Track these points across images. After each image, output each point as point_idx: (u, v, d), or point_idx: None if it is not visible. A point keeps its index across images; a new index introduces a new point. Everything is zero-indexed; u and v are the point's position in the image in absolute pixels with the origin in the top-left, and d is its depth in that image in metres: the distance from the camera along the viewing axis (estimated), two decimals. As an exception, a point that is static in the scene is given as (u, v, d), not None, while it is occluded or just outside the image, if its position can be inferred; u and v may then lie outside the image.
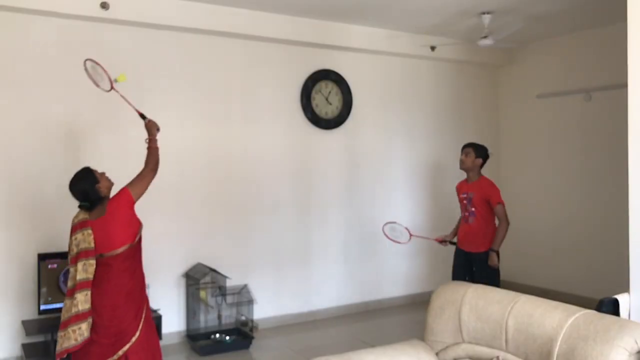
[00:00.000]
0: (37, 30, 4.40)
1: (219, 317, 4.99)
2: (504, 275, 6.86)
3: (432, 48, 6.07)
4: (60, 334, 2.99)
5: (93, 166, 3.25)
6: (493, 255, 4.41)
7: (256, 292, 5.13)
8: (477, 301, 2.73)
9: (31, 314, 4.28)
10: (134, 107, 3.49)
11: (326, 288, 5.74)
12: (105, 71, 3.56)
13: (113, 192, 3.20)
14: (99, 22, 4.57)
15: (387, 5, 5.03)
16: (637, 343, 2.17)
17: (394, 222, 4.92)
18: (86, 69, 3.56)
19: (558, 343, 2.31)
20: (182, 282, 4.99)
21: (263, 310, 5.27)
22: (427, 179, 6.41)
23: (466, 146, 4.63)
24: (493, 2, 4.95)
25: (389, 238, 4.87)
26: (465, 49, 6.30)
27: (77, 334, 2.96)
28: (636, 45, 2.96)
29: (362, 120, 5.95)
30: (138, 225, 3.19)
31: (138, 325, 3.11)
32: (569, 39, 6.14)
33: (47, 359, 3.92)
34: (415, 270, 6.31)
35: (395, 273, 6.17)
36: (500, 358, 2.54)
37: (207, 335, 4.85)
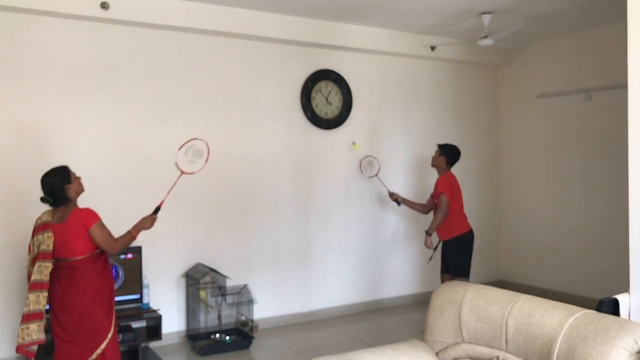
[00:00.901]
0: (37, 30, 4.40)
1: (219, 317, 4.99)
2: (504, 275, 6.90)
3: (432, 48, 6.07)
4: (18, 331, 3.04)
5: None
6: (427, 237, 4.88)
7: (256, 292, 5.13)
8: (477, 301, 2.73)
9: (31, 314, 4.27)
10: (165, 198, 3.61)
11: (326, 288, 5.74)
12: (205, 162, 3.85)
13: (83, 203, 3.22)
14: (99, 22, 4.57)
15: (387, 5, 5.03)
16: (637, 343, 2.17)
17: (368, 156, 5.83)
18: (192, 144, 3.86)
19: (558, 343, 2.31)
20: (182, 282, 5.00)
21: (263, 310, 5.27)
22: (427, 179, 6.40)
23: (438, 146, 5.12)
24: (493, 2, 4.95)
25: (363, 172, 5.80)
26: (465, 49, 6.30)
27: (24, 333, 3.00)
28: (636, 45, 2.96)
29: (362, 120, 5.95)
30: (95, 245, 3.17)
31: (111, 323, 3.17)
32: (569, 39, 6.14)
33: (47, 359, 3.92)
34: (415, 270, 6.30)
35: (395, 273, 6.17)
36: (500, 358, 2.54)
37: (207, 335, 4.85)
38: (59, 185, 3.12)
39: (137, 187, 4.76)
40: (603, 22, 5.64)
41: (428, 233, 4.88)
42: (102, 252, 3.23)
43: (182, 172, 3.75)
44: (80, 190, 3.25)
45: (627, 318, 2.88)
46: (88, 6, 4.41)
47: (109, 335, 3.14)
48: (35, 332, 3.00)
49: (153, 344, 4.66)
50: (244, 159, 5.27)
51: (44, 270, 3.04)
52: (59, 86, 4.49)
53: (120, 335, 4.18)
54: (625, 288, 2.98)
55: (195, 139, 3.97)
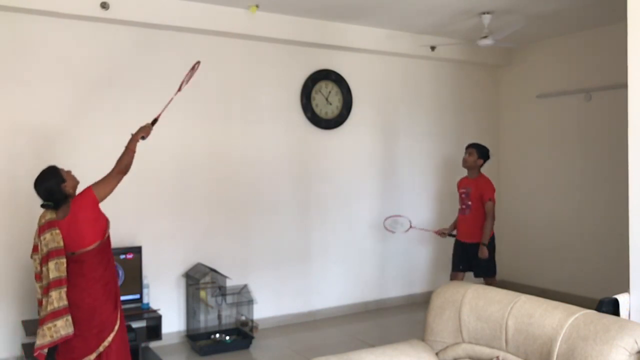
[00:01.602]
0: (37, 30, 4.40)
1: (219, 317, 4.99)
2: (504, 275, 6.89)
3: (432, 48, 6.07)
4: (38, 331, 3.04)
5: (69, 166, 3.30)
6: (483, 249, 4.81)
7: (256, 292, 5.13)
8: (477, 301, 2.73)
9: (31, 314, 4.27)
10: (162, 111, 3.58)
11: (326, 288, 5.74)
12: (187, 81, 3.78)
13: (79, 189, 3.23)
14: (99, 22, 4.57)
15: (387, 5, 5.03)
16: (637, 343, 2.17)
17: (399, 216, 5.62)
18: (194, 70, 3.78)
19: (558, 343, 2.31)
20: (182, 282, 5.00)
21: (263, 310, 5.27)
22: (427, 179, 6.41)
23: (470, 146, 5.02)
24: (493, 2, 4.95)
25: (387, 229, 5.58)
26: (465, 49, 6.30)
27: (52, 331, 3.01)
28: (636, 45, 2.96)
29: (362, 120, 5.95)
30: (105, 222, 3.22)
31: (117, 316, 3.19)
32: (569, 39, 6.14)
33: (46, 359, 3.92)
34: (415, 270, 6.30)
35: (395, 273, 6.17)
36: (500, 358, 2.54)
37: (207, 335, 4.85)
38: (55, 187, 3.13)
39: (137, 187, 4.76)
40: (603, 22, 5.64)
41: (483, 243, 4.80)
42: (107, 244, 3.23)
43: (180, 89, 3.72)
44: (76, 183, 3.26)
45: (627, 318, 2.88)
46: (88, 6, 4.41)
47: (116, 328, 3.16)
48: (64, 328, 3.03)
49: (153, 344, 4.66)
50: (244, 159, 5.27)
51: (60, 267, 3.06)
52: (59, 86, 4.49)
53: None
54: (625, 288, 2.98)
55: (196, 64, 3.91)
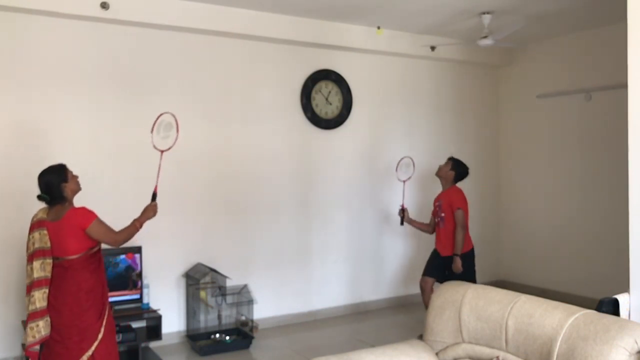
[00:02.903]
0: (37, 30, 4.40)
1: (219, 317, 4.99)
2: (504, 275, 6.89)
3: (432, 48, 6.07)
4: (25, 332, 3.04)
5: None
6: (457, 260, 4.65)
7: (256, 292, 5.13)
8: (477, 301, 2.73)
9: (31, 314, 4.28)
10: (157, 182, 3.54)
11: (326, 288, 5.74)
12: (176, 132, 3.75)
13: (83, 203, 3.21)
14: (99, 22, 4.57)
15: (387, 5, 5.03)
16: (637, 343, 2.17)
17: (403, 158, 5.56)
18: (160, 120, 3.74)
19: (558, 343, 2.31)
20: (182, 282, 5.00)
21: (263, 310, 5.27)
22: (426, 179, 6.40)
23: (449, 158, 4.98)
24: (493, 2, 4.95)
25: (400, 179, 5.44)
26: (465, 49, 6.30)
27: (34, 332, 3.00)
28: (636, 45, 2.96)
29: (362, 120, 5.95)
30: (91, 243, 3.15)
31: (101, 325, 3.13)
32: (569, 39, 6.14)
33: None
34: (415, 270, 6.28)
35: (395, 273, 6.17)
36: (500, 358, 2.54)
37: (207, 335, 4.85)
38: (55, 183, 3.12)
39: (137, 187, 4.75)
40: (603, 22, 5.64)
41: (457, 255, 4.65)
42: (97, 252, 3.20)
43: (161, 151, 3.66)
44: (77, 189, 3.24)
45: (627, 318, 2.88)
46: (88, 6, 4.41)
47: (99, 337, 3.09)
48: (44, 328, 3.02)
49: (153, 344, 4.66)
50: (244, 159, 5.27)
51: (46, 267, 3.05)
52: (59, 86, 4.49)
53: (121, 336, 4.19)
54: (625, 288, 2.98)
55: (161, 114, 3.82)
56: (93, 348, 3.06)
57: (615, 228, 5.34)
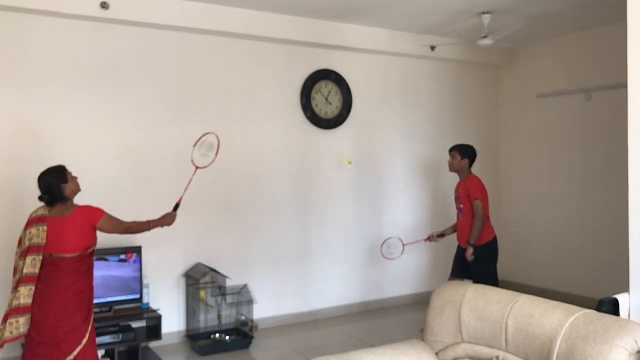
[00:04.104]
0: (38, 30, 4.40)
1: (219, 317, 4.99)
2: (504, 275, 6.89)
3: (432, 48, 6.07)
4: (0, 327, 3.01)
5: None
6: (469, 249, 4.58)
7: (256, 292, 5.13)
8: (477, 301, 2.73)
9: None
10: (183, 195, 3.70)
11: (326, 288, 5.74)
12: (215, 155, 3.87)
13: (79, 202, 3.22)
14: (99, 22, 4.57)
15: (387, 5, 5.03)
16: (637, 343, 2.17)
17: (389, 238, 5.51)
18: (205, 139, 3.84)
19: (558, 343, 2.31)
20: (182, 282, 5.00)
21: (263, 310, 5.27)
22: (427, 179, 6.41)
23: (452, 149, 4.81)
24: (493, 2, 4.95)
25: (385, 257, 5.48)
26: (465, 49, 6.30)
27: (13, 327, 2.97)
28: (636, 45, 2.96)
29: (362, 120, 5.95)
30: (92, 242, 3.19)
31: (87, 329, 3.11)
32: (569, 39, 6.14)
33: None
34: (415, 270, 6.30)
35: (395, 273, 6.17)
36: (500, 358, 2.54)
37: (207, 335, 4.85)
38: (55, 184, 3.13)
39: (137, 187, 4.77)
40: (603, 22, 5.64)
41: (471, 244, 4.55)
42: (91, 254, 3.21)
43: (197, 168, 3.79)
44: (77, 190, 3.25)
45: (627, 318, 2.88)
46: (88, 6, 4.41)
47: (84, 341, 3.07)
48: (24, 326, 2.99)
49: (153, 344, 4.66)
50: (244, 159, 5.27)
51: (36, 264, 3.03)
52: (59, 86, 4.49)
53: (121, 336, 4.19)
54: (625, 288, 2.98)
55: (208, 133, 3.98)
56: (76, 352, 3.04)
57: (615, 228, 5.34)
